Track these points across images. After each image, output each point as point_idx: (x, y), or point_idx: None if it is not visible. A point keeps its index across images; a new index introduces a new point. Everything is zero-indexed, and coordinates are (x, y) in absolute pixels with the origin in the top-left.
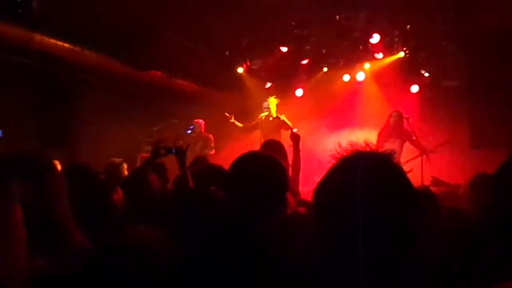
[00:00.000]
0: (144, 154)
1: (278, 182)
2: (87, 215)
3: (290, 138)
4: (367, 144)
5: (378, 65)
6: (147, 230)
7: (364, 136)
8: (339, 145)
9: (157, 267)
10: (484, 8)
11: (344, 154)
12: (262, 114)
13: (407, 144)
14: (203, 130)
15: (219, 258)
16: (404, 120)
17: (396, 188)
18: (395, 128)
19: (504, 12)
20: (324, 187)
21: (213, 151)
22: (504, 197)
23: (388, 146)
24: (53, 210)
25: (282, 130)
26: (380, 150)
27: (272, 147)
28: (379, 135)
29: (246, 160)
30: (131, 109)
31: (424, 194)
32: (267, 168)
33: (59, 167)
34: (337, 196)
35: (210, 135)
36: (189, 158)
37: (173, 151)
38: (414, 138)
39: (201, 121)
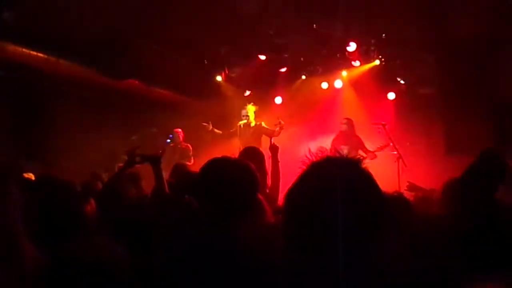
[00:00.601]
0: (121, 164)
1: (245, 186)
2: (55, 227)
3: (269, 149)
4: (336, 151)
5: (355, 72)
6: (103, 242)
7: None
8: (309, 151)
9: (111, 280)
10: (457, 17)
11: (313, 160)
12: (241, 122)
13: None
14: (181, 140)
15: (189, 268)
16: (355, 127)
17: (367, 193)
18: (345, 136)
19: (476, 21)
20: (296, 194)
21: (191, 161)
22: (469, 202)
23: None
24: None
25: (262, 138)
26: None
27: (250, 154)
28: (332, 142)
29: (213, 166)
30: (108, 119)
31: (397, 199)
32: (233, 172)
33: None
34: (311, 203)
35: (189, 145)
36: (168, 168)
37: (148, 159)
38: (366, 145)
39: (180, 130)
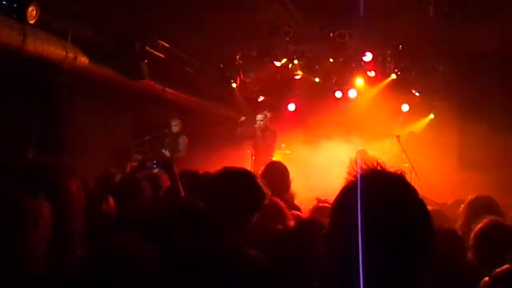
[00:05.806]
0: (133, 163)
1: (243, 199)
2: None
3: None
4: (378, 163)
5: (370, 83)
6: (134, 238)
7: (354, 153)
8: (352, 161)
9: (142, 275)
10: (476, 30)
11: (359, 171)
12: (256, 126)
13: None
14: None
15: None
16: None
17: (404, 207)
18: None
19: (494, 35)
20: (339, 205)
21: (182, 153)
22: None
23: None
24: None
25: (276, 143)
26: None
27: (276, 169)
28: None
29: (218, 178)
30: (122, 118)
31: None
32: (234, 185)
33: None
34: (348, 215)
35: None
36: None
37: (160, 164)
38: None
39: (179, 120)
